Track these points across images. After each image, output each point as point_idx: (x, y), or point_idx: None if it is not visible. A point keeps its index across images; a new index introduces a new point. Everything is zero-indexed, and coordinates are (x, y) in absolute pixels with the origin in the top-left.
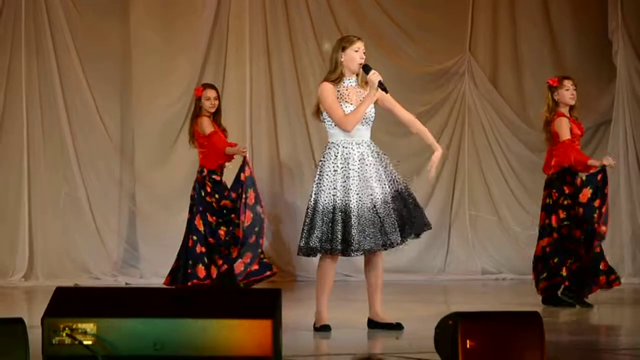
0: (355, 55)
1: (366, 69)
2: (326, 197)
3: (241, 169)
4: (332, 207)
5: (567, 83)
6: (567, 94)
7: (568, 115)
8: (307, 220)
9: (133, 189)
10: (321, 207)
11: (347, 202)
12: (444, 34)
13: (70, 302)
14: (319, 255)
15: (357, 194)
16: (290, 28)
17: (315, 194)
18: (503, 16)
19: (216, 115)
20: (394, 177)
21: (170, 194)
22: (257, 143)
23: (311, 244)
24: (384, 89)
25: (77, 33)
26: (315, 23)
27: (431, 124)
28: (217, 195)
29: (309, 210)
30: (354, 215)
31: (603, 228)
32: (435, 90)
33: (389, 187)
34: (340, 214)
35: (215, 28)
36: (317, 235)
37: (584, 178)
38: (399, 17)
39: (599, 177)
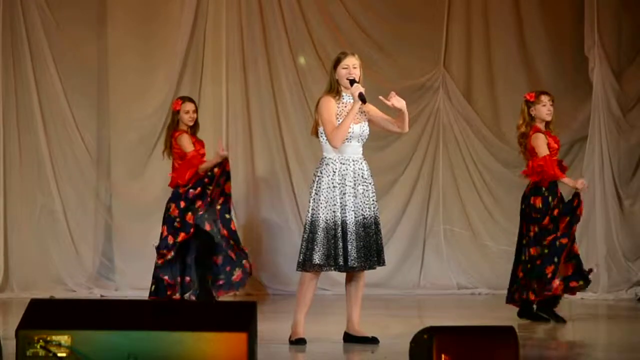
0: (343, 72)
1: (351, 83)
2: (327, 213)
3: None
4: (332, 223)
5: (544, 98)
6: (544, 109)
7: (544, 130)
8: (307, 236)
9: (109, 202)
10: (323, 224)
11: (344, 218)
12: (418, 49)
13: (44, 314)
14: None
15: (353, 211)
16: (266, 43)
17: (313, 209)
18: (477, 32)
19: (194, 128)
20: (374, 201)
21: (147, 207)
22: (233, 157)
23: (315, 261)
24: (363, 100)
25: (55, 45)
26: (291, 39)
27: (405, 139)
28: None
29: (308, 226)
30: (349, 231)
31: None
32: (410, 105)
33: (370, 210)
34: (340, 230)
35: (192, 43)
36: (323, 252)
37: (560, 207)
38: (374, 33)
39: (575, 202)
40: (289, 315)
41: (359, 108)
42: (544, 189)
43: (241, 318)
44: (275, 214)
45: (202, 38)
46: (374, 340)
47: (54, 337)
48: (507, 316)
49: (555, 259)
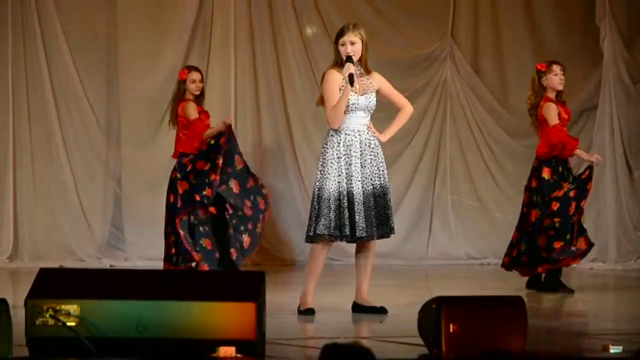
0: (341, 49)
1: (348, 60)
2: (331, 184)
3: (221, 134)
4: (337, 193)
5: (556, 68)
6: (556, 79)
7: (555, 100)
8: (313, 208)
9: (119, 172)
10: (326, 195)
11: (350, 188)
12: (425, 19)
13: (54, 284)
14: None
15: (360, 181)
16: (272, 15)
17: (319, 181)
18: (485, 1)
19: (200, 98)
20: (383, 171)
21: (156, 177)
22: (242, 130)
23: (319, 232)
24: (350, 82)
25: (64, 15)
26: (298, 10)
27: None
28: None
29: (314, 198)
30: (357, 201)
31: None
32: (417, 76)
33: (379, 179)
34: (345, 200)
35: (201, 12)
36: (324, 223)
37: (570, 179)
38: (381, 2)
39: (585, 175)
40: (298, 285)
41: (360, 81)
42: (553, 161)
43: (250, 288)
44: (281, 184)
45: (210, 9)
46: (382, 310)
47: (63, 307)
48: (515, 286)
49: (568, 236)
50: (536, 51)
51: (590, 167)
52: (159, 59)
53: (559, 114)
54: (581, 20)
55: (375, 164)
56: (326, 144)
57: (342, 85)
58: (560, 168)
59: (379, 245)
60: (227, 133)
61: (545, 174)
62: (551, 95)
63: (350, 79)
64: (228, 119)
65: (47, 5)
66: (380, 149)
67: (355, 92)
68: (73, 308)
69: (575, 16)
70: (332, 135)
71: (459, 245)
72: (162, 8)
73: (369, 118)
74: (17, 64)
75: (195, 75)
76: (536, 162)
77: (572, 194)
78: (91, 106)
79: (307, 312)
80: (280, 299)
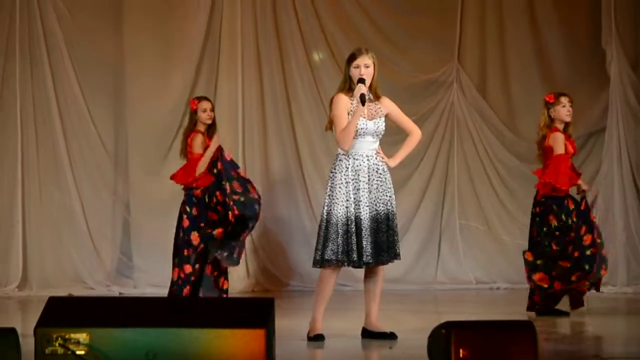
0: (354, 72)
1: (360, 82)
2: (339, 209)
3: (217, 161)
4: (345, 218)
5: (564, 100)
6: (564, 110)
7: (562, 131)
8: (321, 233)
9: (127, 199)
10: (334, 219)
11: (358, 213)
12: (432, 44)
13: (63, 312)
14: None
15: (368, 206)
16: (280, 40)
17: (327, 205)
18: (491, 25)
19: (211, 128)
20: (390, 197)
21: (165, 203)
22: (249, 155)
23: (326, 257)
24: (362, 102)
25: (71, 41)
26: (304, 36)
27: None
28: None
29: (322, 223)
30: (364, 227)
31: (604, 251)
32: (424, 100)
33: (385, 205)
34: (353, 225)
35: (208, 41)
36: (331, 248)
37: (574, 219)
38: (387, 27)
39: (582, 206)
40: (307, 312)
41: (368, 106)
42: (554, 206)
43: (259, 314)
44: (290, 210)
45: (217, 36)
46: (392, 336)
47: (72, 335)
48: (525, 311)
49: (587, 267)
50: (542, 75)
51: (584, 198)
52: (167, 85)
53: (565, 147)
54: (587, 43)
55: (382, 190)
56: (334, 169)
57: (351, 110)
58: (563, 215)
59: (387, 270)
60: (220, 156)
61: (553, 221)
62: (559, 126)
63: (362, 99)
64: (217, 140)
65: (54, 30)
66: (389, 175)
67: (364, 117)
68: (82, 337)
69: (581, 39)
70: (340, 160)
71: (467, 269)
72: (169, 35)
73: (377, 143)
74: (24, 91)
75: (205, 104)
76: (538, 197)
77: (582, 230)
78: (98, 133)
79: (316, 339)
80: (290, 325)
